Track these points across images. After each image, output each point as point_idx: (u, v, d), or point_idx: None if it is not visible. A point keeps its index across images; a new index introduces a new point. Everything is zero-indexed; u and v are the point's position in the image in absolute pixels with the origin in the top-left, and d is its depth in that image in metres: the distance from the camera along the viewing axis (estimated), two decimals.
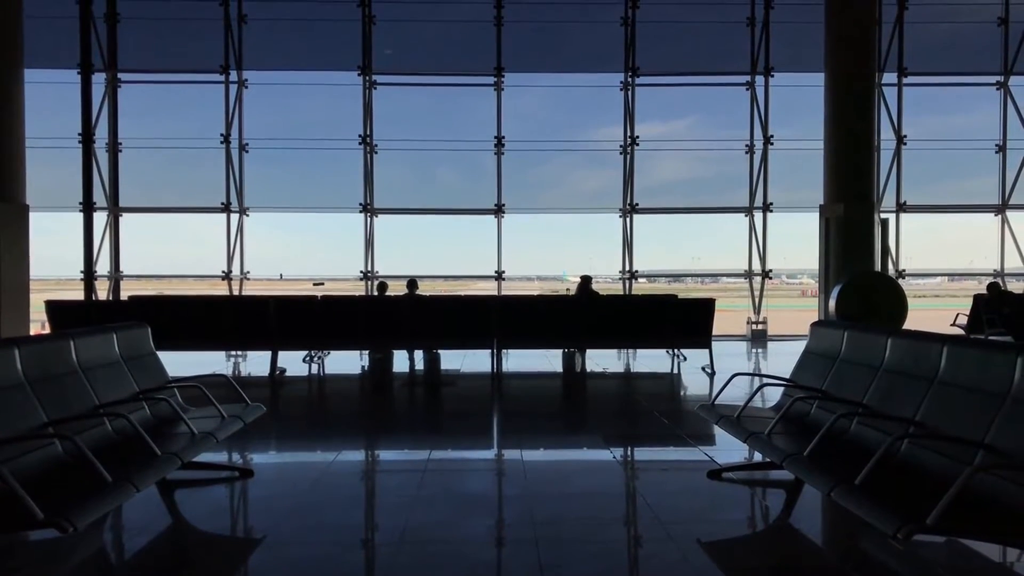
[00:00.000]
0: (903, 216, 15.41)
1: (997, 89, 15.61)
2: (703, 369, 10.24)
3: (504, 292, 15.56)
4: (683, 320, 10.64)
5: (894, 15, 15.09)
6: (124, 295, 15.04)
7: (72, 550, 3.86)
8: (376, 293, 13.27)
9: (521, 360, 11.44)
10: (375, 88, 15.41)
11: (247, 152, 15.47)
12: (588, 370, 10.99)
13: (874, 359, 4.54)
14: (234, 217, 15.47)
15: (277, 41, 15.92)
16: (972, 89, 16.24)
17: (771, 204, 15.64)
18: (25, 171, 13.24)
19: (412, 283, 12.18)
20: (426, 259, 24.03)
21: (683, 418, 7.57)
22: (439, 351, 11.72)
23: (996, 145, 15.70)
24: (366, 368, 11.37)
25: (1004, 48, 15.49)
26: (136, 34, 15.38)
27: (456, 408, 8.60)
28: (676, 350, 11.34)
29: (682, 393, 9.40)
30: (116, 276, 15.54)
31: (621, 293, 15.52)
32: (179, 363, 8.02)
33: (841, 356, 4.97)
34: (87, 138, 14.55)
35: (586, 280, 12.57)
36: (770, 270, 15.86)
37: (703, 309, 10.51)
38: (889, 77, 15.19)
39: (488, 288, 16.29)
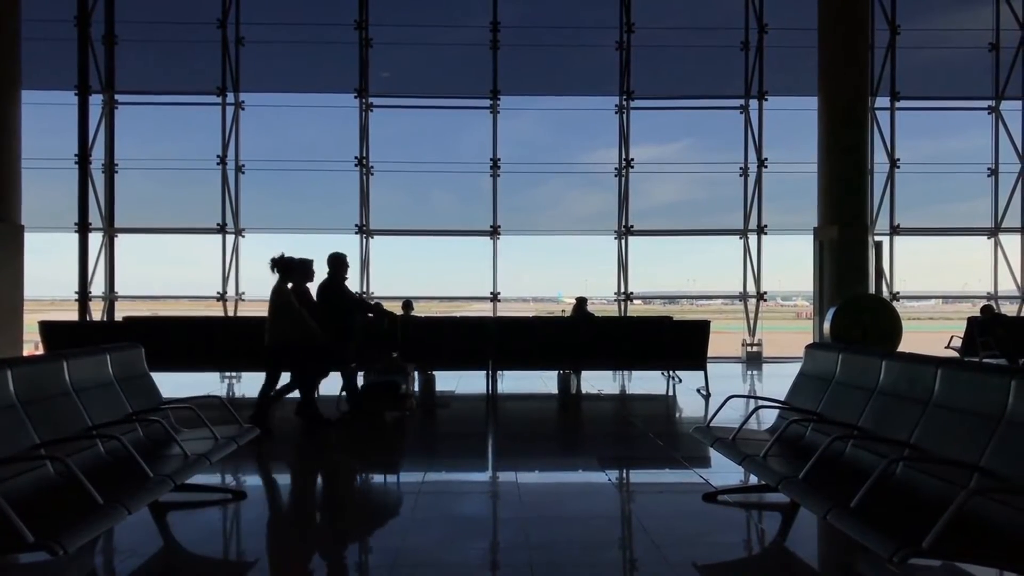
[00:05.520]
0: (897, 239, 15.49)
1: (989, 113, 15.76)
2: (698, 391, 10.23)
3: (500, 313, 15.53)
4: (678, 342, 10.64)
5: (886, 40, 15.27)
6: (119, 316, 14.98)
7: (63, 573, 3.82)
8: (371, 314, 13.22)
9: (516, 381, 11.42)
10: (372, 110, 15.50)
11: (243, 173, 15.49)
12: (583, 391, 10.96)
13: (869, 382, 4.55)
14: (230, 238, 15.46)
15: (274, 63, 15.99)
16: (964, 113, 16.45)
17: (765, 226, 15.70)
18: (21, 191, 13.25)
19: (407, 304, 12.18)
20: (422, 280, 23.97)
21: (678, 440, 7.54)
22: (434, 372, 11.68)
23: (988, 169, 15.83)
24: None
25: (995, 73, 15.66)
26: (134, 56, 15.45)
27: (451, 430, 8.55)
28: (671, 372, 11.34)
29: (677, 415, 9.39)
30: (111, 296, 15.49)
31: (616, 315, 15.53)
32: (173, 384, 8.00)
33: (836, 378, 4.98)
34: (83, 159, 14.73)
35: (581, 301, 12.59)
36: (765, 292, 15.89)
37: (698, 331, 10.50)
38: (882, 101, 15.33)
39: (484, 309, 16.28)
